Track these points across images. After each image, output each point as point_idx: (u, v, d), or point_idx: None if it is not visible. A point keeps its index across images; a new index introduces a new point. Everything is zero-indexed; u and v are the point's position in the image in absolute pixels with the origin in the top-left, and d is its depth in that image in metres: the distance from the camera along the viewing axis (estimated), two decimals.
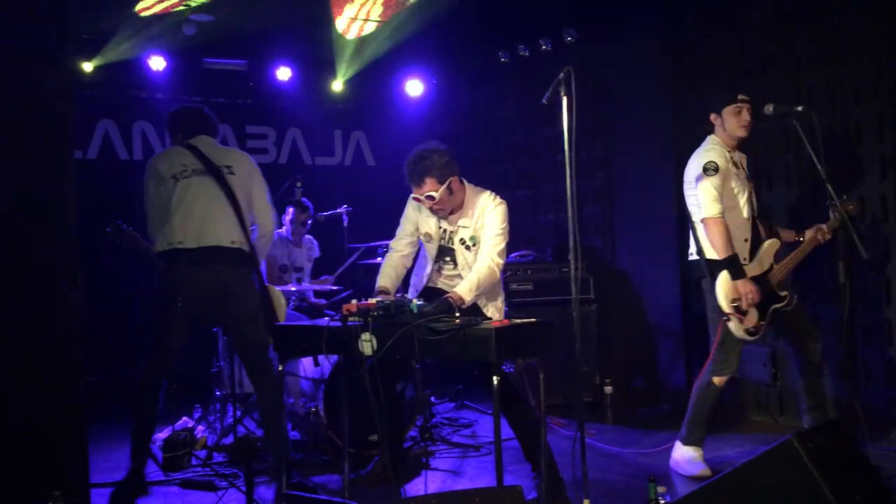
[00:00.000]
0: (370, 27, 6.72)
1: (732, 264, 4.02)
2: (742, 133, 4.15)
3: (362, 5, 6.20)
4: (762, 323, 4.08)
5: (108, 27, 6.36)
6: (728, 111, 4.14)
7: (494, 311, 3.93)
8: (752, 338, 4.09)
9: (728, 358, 4.12)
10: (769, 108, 4.14)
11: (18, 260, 3.33)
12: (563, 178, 3.51)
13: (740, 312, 4.02)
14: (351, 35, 6.88)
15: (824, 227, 4.24)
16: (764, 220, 4.28)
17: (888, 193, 4.77)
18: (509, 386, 3.72)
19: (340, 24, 6.50)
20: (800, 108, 4.06)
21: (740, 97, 4.13)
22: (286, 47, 7.20)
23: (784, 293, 4.16)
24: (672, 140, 5.77)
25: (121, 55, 6.60)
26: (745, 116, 4.14)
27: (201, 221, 4.05)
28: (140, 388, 4.05)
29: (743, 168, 4.22)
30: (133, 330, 6.74)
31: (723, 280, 4.04)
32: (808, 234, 4.28)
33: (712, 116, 4.20)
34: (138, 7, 5.99)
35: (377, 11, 6.37)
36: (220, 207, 4.11)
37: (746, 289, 3.99)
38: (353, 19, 6.46)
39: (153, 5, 6.02)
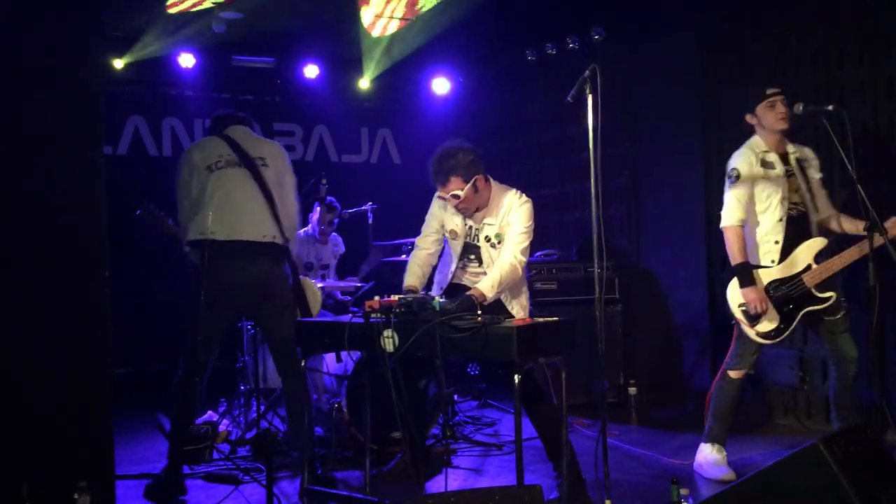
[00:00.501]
0: (394, 25, 6.73)
1: (742, 272, 4.01)
2: (781, 125, 4.08)
3: (387, 3, 6.21)
4: (782, 327, 4.03)
5: (139, 24, 6.44)
6: (762, 108, 4.10)
7: (519, 308, 3.92)
8: (769, 341, 4.05)
9: (743, 353, 4.11)
10: (799, 108, 4.07)
11: (48, 254, 3.37)
12: (588, 177, 3.49)
13: (749, 318, 3.99)
14: (376, 32, 6.89)
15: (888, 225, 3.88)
16: (820, 217, 4.16)
17: None
18: (533, 384, 3.70)
19: (366, 19, 6.51)
20: (830, 108, 3.98)
21: (769, 91, 4.08)
22: (314, 45, 7.24)
23: (827, 294, 4.01)
24: (701, 140, 5.72)
25: (151, 52, 6.69)
26: (781, 108, 4.07)
27: (235, 214, 4.06)
28: (180, 384, 4.05)
29: (789, 164, 4.11)
30: (160, 324, 6.81)
31: (733, 285, 4.07)
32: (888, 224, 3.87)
33: (748, 117, 4.15)
34: (168, 2, 6.05)
35: (401, 10, 6.38)
36: (253, 200, 4.12)
37: (751, 297, 3.97)
38: (379, 16, 6.47)
39: (181, 1, 6.07)
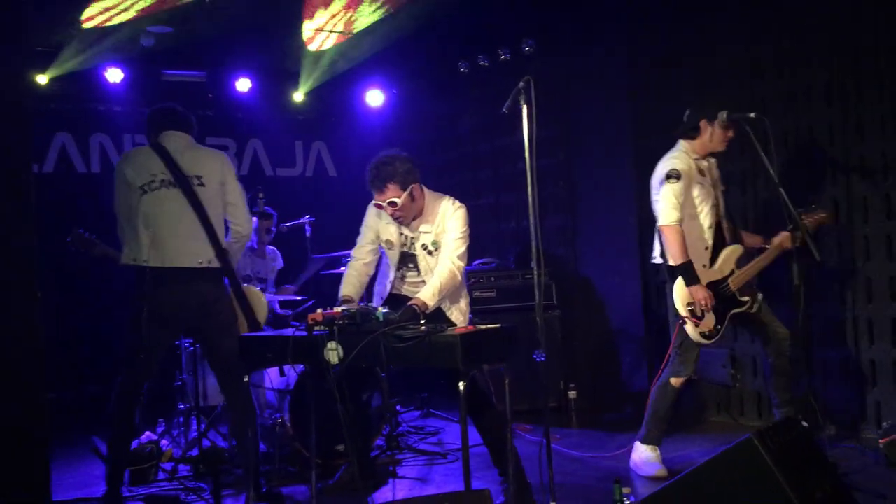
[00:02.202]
0: (332, 40, 6.74)
1: (686, 271, 4.11)
2: (721, 148, 4.29)
3: (330, 18, 6.22)
4: (719, 327, 4.17)
5: (62, 38, 6.27)
6: (720, 123, 4.21)
7: (458, 314, 3.96)
8: (708, 341, 4.18)
9: (685, 360, 4.21)
10: (723, 115, 4.23)
11: None
12: (524, 187, 3.56)
13: (695, 317, 4.11)
14: (313, 46, 6.89)
15: (789, 234, 4.19)
16: (729, 226, 4.36)
17: (839, 196, 4.89)
18: (478, 391, 3.74)
19: (306, 32, 6.50)
20: (752, 115, 4.16)
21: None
22: (245, 58, 7.17)
23: (745, 298, 4.24)
24: (633, 149, 5.87)
25: (74, 66, 6.49)
26: (731, 133, 4.26)
27: (168, 241, 3.93)
28: (117, 402, 3.95)
29: (710, 175, 4.30)
30: (90, 346, 6.65)
31: (678, 285, 4.15)
32: (775, 240, 4.29)
33: (702, 123, 4.23)
34: (83, 17, 5.89)
35: (340, 26, 6.39)
36: (188, 224, 3.98)
37: (699, 295, 4.08)
38: (319, 30, 6.46)
39: (96, 15, 5.93)
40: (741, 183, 5.38)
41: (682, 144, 4.31)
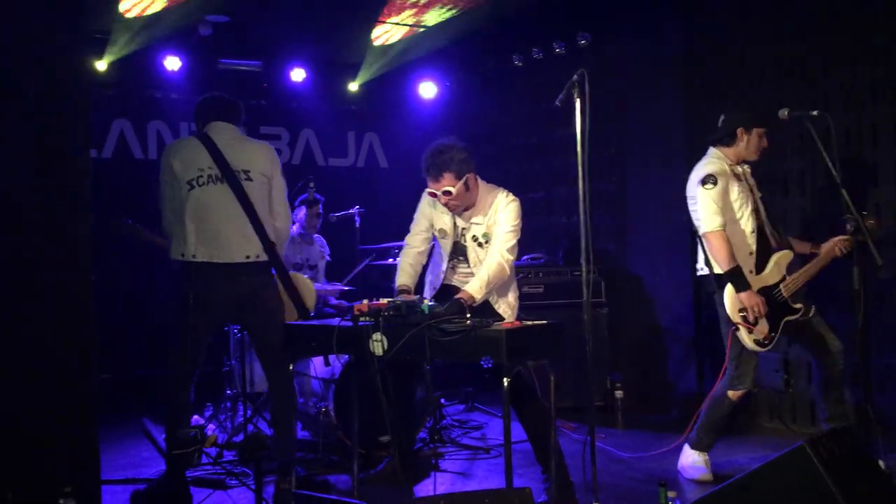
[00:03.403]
0: (398, 34, 6.75)
1: (735, 276, 3.98)
2: (756, 157, 4.18)
3: (403, 12, 6.22)
4: (773, 334, 4.05)
5: (117, 24, 6.33)
6: (757, 133, 4.12)
7: (507, 307, 3.92)
8: (763, 349, 4.06)
9: (744, 372, 4.07)
10: (784, 113, 4.11)
11: (33, 258, 3.35)
12: (574, 182, 3.50)
13: (749, 323, 4.00)
14: (380, 41, 6.90)
15: (841, 239, 4.09)
16: (776, 231, 4.24)
17: None
18: (524, 386, 3.71)
19: (376, 26, 6.52)
20: (815, 113, 4.03)
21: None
22: (301, 49, 7.23)
23: (798, 305, 4.11)
24: (687, 145, 5.75)
25: (129, 52, 6.54)
26: (765, 143, 4.16)
27: (216, 236, 3.91)
28: (170, 390, 3.96)
29: (746, 179, 4.19)
30: (144, 329, 6.77)
31: (728, 292, 4.03)
32: (825, 247, 4.16)
33: (739, 131, 4.12)
34: (122, 9, 5.95)
35: (410, 20, 6.40)
36: (236, 220, 3.95)
37: (751, 301, 3.96)
38: (387, 22, 6.47)
39: (135, 6, 5.97)
40: (799, 184, 5.24)
41: (713, 151, 4.20)
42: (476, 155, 3.96)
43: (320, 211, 5.92)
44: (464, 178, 3.80)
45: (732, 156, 4.16)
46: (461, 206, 3.90)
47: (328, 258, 6.12)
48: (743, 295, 3.96)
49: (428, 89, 7.89)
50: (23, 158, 3.36)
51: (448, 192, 3.81)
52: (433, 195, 3.90)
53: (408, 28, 6.61)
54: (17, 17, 3.34)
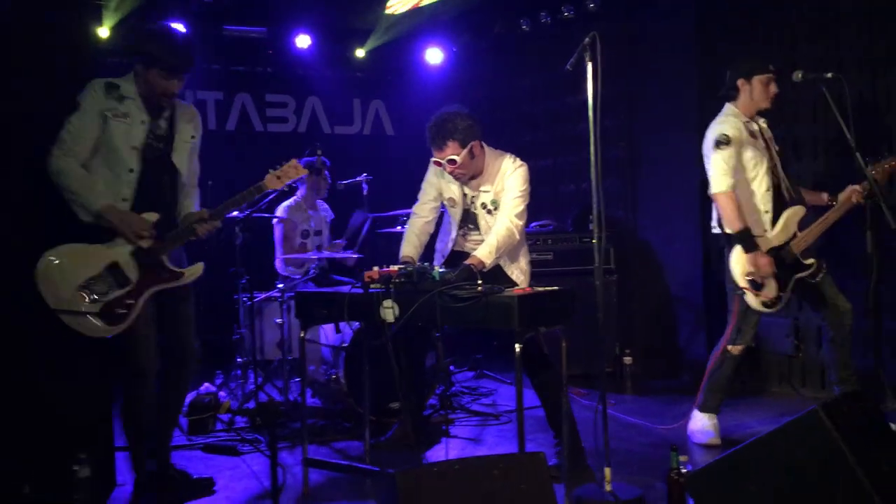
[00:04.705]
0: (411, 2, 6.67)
1: (744, 238, 3.98)
2: (767, 105, 4.11)
3: None
4: (781, 294, 4.04)
5: None
6: (758, 80, 4.08)
7: (519, 273, 3.91)
8: (769, 309, 4.05)
9: (744, 328, 4.10)
10: (798, 75, 4.06)
11: (43, 235, 3.35)
12: (584, 148, 3.47)
13: (755, 286, 3.99)
14: (392, 9, 6.81)
15: (858, 187, 4.05)
16: (790, 188, 4.21)
17: None
18: (538, 351, 3.71)
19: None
20: (829, 75, 3.99)
21: (772, 67, 4.05)
22: (306, 15, 7.14)
23: (810, 261, 4.09)
24: (698, 110, 5.69)
25: (126, 13, 6.44)
26: (773, 89, 4.10)
27: None
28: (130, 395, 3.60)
29: (763, 137, 4.15)
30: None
31: (737, 254, 4.02)
32: (842, 196, 4.12)
33: (740, 82, 4.11)
34: None
35: None
36: None
37: (760, 262, 3.95)
38: None
39: None
40: (812, 148, 5.19)
41: (728, 108, 4.18)
42: (482, 122, 3.92)
43: (327, 177, 5.89)
44: (469, 146, 3.77)
45: (744, 108, 4.12)
46: (467, 175, 3.86)
47: (332, 216, 6.11)
48: (751, 256, 3.96)
49: (434, 55, 7.80)
50: (32, 137, 3.36)
51: (453, 161, 3.78)
52: (438, 164, 3.86)
53: None
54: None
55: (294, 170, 3.69)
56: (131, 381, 3.49)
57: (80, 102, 3.40)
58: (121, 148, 3.42)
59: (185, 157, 3.64)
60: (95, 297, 3.28)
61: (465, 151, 3.76)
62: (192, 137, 3.69)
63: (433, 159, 3.90)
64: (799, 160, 5.24)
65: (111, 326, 3.31)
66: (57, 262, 3.28)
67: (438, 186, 4.02)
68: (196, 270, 3.58)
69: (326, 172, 5.91)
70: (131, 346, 3.44)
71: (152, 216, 3.43)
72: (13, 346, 3.27)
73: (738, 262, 4.02)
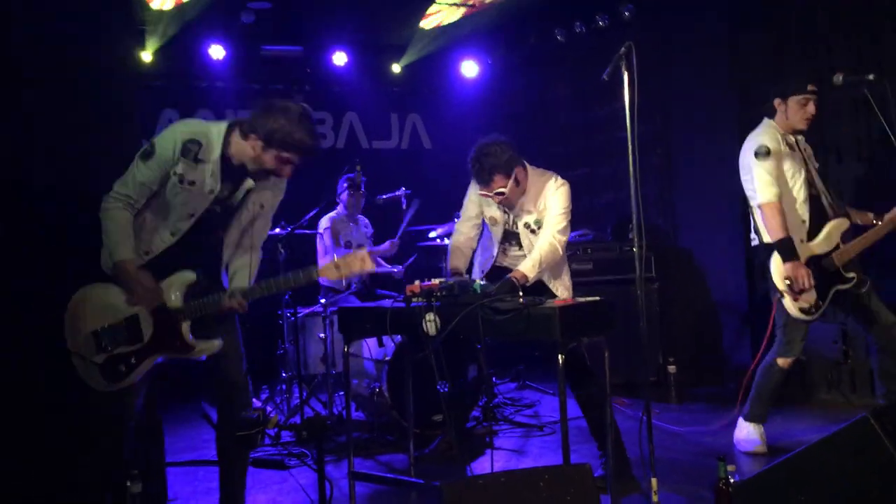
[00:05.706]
0: (452, 16, 6.73)
1: (784, 247, 3.96)
2: (803, 126, 4.10)
3: None
4: (820, 303, 4.00)
5: (161, 15, 6.42)
6: (794, 101, 4.05)
7: (563, 289, 3.92)
8: (809, 317, 4.01)
9: (792, 340, 4.05)
10: (839, 78, 4.02)
11: (86, 246, 3.41)
12: (620, 157, 3.47)
13: (794, 292, 3.95)
14: (429, 24, 6.89)
15: None
16: (834, 202, 4.17)
17: None
18: (581, 362, 3.71)
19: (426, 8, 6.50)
20: (871, 77, 3.93)
21: (810, 88, 4.02)
22: (341, 33, 7.24)
23: (851, 274, 4.05)
24: (735, 116, 5.65)
25: (169, 38, 6.60)
26: (811, 109, 4.06)
27: None
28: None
29: (800, 149, 4.13)
30: None
31: (776, 261, 4.01)
32: (888, 216, 4.09)
33: (776, 102, 4.10)
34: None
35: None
36: None
37: (797, 272, 3.93)
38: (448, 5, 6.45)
39: None
40: (854, 150, 5.12)
41: (767, 121, 4.17)
42: (517, 134, 3.92)
43: (363, 192, 5.96)
44: (513, 175, 3.79)
45: (781, 126, 4.11)
46: (514, 200, 3.88)
47: (371, 231, 6.16)
48: (788, 265, 3.94)
49: (470, 68, 7.85)
50: (74, 152, 3.44)
51: (501, 193, 3.80)
52: (486, 195, 3.88)
53: (463, 9, 6.54)
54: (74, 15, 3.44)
55: (360, 262, 3.17)
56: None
57: (155, 150, 3.10)
58: (177, 210, 3.13)
59: (246, 223, 3.30)
60: (104, 345, 3.09)
61: (510, 182, 3.78)
62: (262, 207, 3.32)
63: (480, 192, 3.91)
64: (840, 163, 5.17)
65: (109, 382, 3.12)
66: (84, 302, 3.13)
67: (479, 205, 4.05)
68: (210, 347, 3.23)
69: (363, 188, 5.97)
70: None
71: (188, 277, 3.15)
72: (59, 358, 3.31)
73: (777, 269, 4.01)
